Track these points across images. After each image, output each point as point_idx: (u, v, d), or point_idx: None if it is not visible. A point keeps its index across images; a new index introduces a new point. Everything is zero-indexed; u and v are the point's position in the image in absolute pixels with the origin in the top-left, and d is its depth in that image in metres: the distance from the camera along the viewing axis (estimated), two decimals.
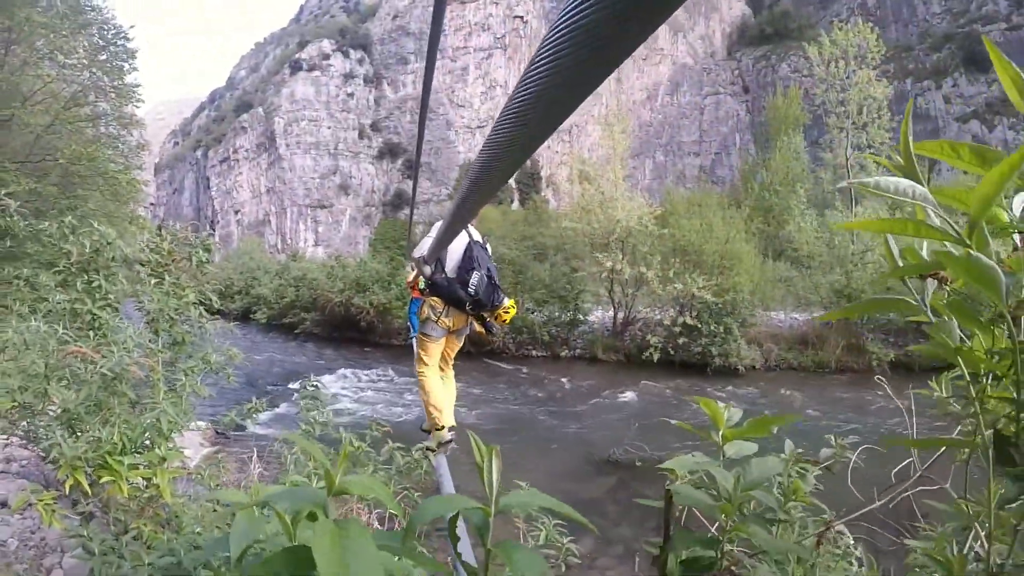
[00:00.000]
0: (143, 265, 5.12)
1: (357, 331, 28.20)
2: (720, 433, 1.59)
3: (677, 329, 22.37)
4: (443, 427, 4.82)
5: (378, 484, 1.04)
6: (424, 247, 4.78)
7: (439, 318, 4.79)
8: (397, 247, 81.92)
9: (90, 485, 3.30)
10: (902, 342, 23.49)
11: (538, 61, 0.62)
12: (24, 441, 4.30)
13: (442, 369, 5.15)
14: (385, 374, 21.25)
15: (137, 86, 20.25)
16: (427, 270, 4.63)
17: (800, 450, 1.87)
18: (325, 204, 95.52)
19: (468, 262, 4.75)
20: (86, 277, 5.12)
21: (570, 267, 26.53)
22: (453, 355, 5.30)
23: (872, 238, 25.31)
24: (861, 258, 24.55)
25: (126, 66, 19.96)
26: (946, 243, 1.03)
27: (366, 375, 20.79)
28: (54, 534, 3.55)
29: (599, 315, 27.25)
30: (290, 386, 17.69)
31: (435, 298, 4.78)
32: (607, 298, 26.48)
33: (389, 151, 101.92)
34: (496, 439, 8.28)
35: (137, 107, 21.05)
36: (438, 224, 4.69)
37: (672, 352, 22.49)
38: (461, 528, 3.40)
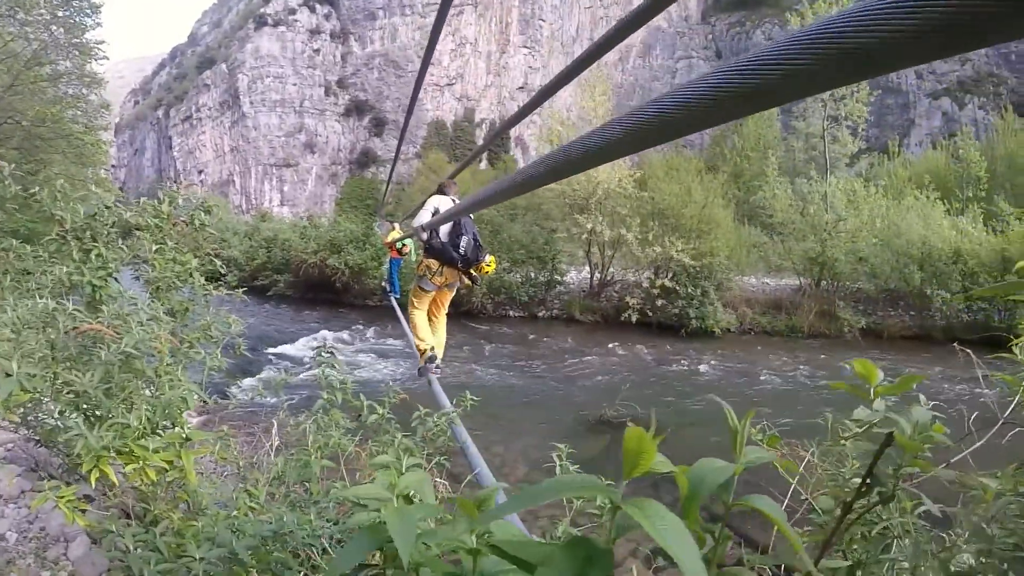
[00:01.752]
0: (141, 230, 4.88)
1: (332, 292, 27.87)
2: (872, 389, 1.65)
3: (656, 291, 22.59)
4: (425, 351, 6.03)
5: (427, 482, 1.26)
6: (422, 218, 5.84)
7: (433, 275, 6.02)
8: (364, 206, 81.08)
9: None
10: (871, 310, 24.10)
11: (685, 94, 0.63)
12: (14, 425, 3.98)
13: (435, 316, 6.43)
14: (363, 335, 21.10)
15: (101, 42, 19.28)
16: (424, 236, 5.72)
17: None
18: (291, 163, 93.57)
19: (458, 228, 5.95)
20: (80, 244, 4.69)
21: (547, 228, 26.51)
22: (446, 304, 6.47)
23: (845, 208, 25.71)
24: (834, 227, 24.88)
25: (89, 21, 18.96)
26: None
27: (346, 336, 20.61)
28: (55, 522, 3.23)
29: (575, 276, 27.36)
30: (268, 351, 17.48)
31: (431, 260, 6.00)
32: (583, 260, 26.56)
33: (356, 108, 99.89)
34: (488, 400, 8.27)
35: (101, 65, 20.06)
36: (434, 197, 6.15)
37: (650, 313, 22.69)
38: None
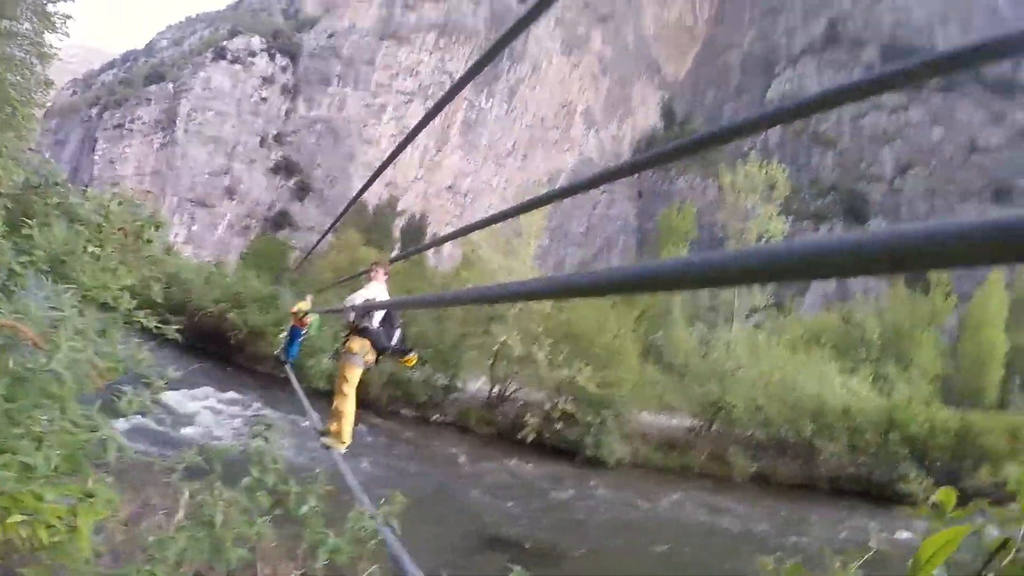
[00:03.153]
0: (83, 225, 4.28)
1: (224, 347, 26.37)
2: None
3: (556, 414, 22.54)
4: (345, 442, 6.37)
5: None
6: (356, 300, 6.37)
7: (366, 355, 6.35)
8: (269, 267, 78.29)
9: None
10: (760, 456, 24.99)
11: None
12: None
13: (344, 395, 6.49)
14: (250, 400, 19.95)
15: (68, 17, 18.02)
16: (351, 317, 6.27)
17: None
18: (207, 203, 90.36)
19: (391, 318, 6.48)
20: (6, 216, 3.91)
21: (457, 332, 26.26)
22: (355, 384, 6.61)
23: (745, 356, 26.97)
24: (734, 374, 25.90)
25: None
26: None
27: (232, 399, 19.38)
28: None
29: (475, 385, 26.98)
30: (140, 390, 16.11)
31: (366, 340, 6.32)
32: (486, 370, 26.33)
33: (285, 167, 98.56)
34: (377, 498, 7.83)
35: (60, 40, 18.62)
36: (372, 284, 6.58)
37: (547, 435, 22.56)
38: None
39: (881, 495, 23.24)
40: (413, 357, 6.77)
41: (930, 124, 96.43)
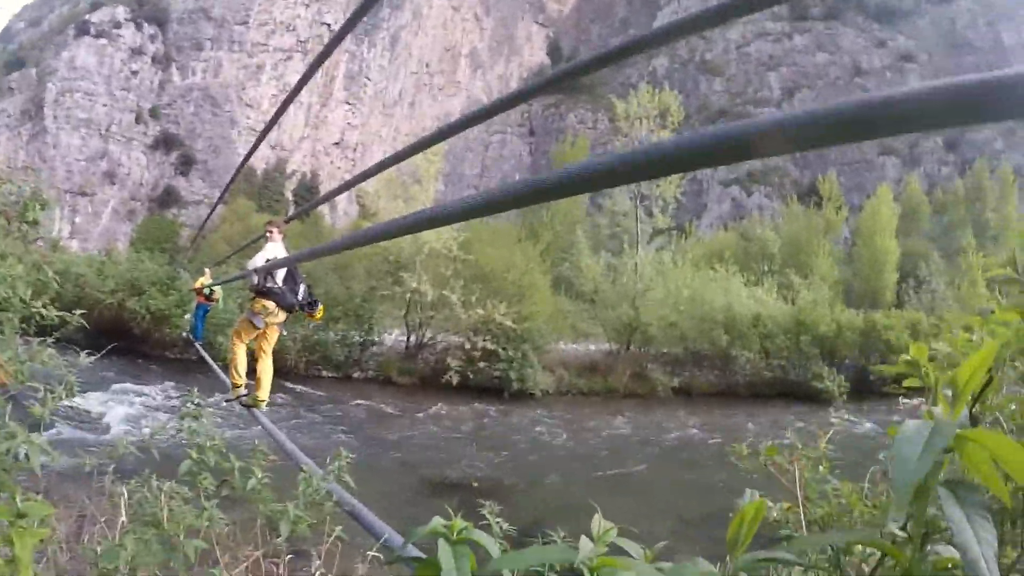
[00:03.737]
0: None
1: (128, 339, 25.22)
2: None
3: (477, 353, 22.90)
4: (240, 385, 6.77)
5: None
6: (258, 261, 6.40)
7: (268, 315, 6.59)
8: (161, 249, 74.35)
9: None
10: (679, 370, 26.23)
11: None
12: None
13: (264, 353, 6.85)
14: (165, 392, 19.29)
15: None
16: (256, 280, 6.36)
17: None
18: (87, 191, 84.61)
19: (293, 275, 6.70)
20: None
21: (366, 285, 26.08)
22: (273, 342, 6.91)
23: (652, 279, 27.97)
24: (644, 296, 26.86)
25: None
26: None
27: (148, 391, 18.67)
28: None
29: (389, 338, 27.00)
30: (64, 404, 15.36)
31: (268, 301, 6.53)
32: (400, 320, 26.37)
33: (165, 142, 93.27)
34: (317, 462, 7.93)
35: None
36: (269, 245, 6.64)
37: (471, 376, 22.94)
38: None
39: (796, 394, 24.83)
40: (320, 309, 7.02)
41: (815, 50, 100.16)
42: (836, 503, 2.61)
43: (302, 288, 6.78)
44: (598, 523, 1.22)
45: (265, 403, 6.75)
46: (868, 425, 15.87)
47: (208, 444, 3.70)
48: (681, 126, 33.75)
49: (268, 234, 6.78)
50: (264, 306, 6.56)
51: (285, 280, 6.62)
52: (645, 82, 42.46)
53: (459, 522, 1.34)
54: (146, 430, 14.27)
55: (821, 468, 2.91)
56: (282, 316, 6.74)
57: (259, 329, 6.72)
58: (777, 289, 31.79)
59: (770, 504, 2.71)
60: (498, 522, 2.99)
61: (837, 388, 23.76)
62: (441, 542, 1.26)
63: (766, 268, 35.99)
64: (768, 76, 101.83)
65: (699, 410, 22.15)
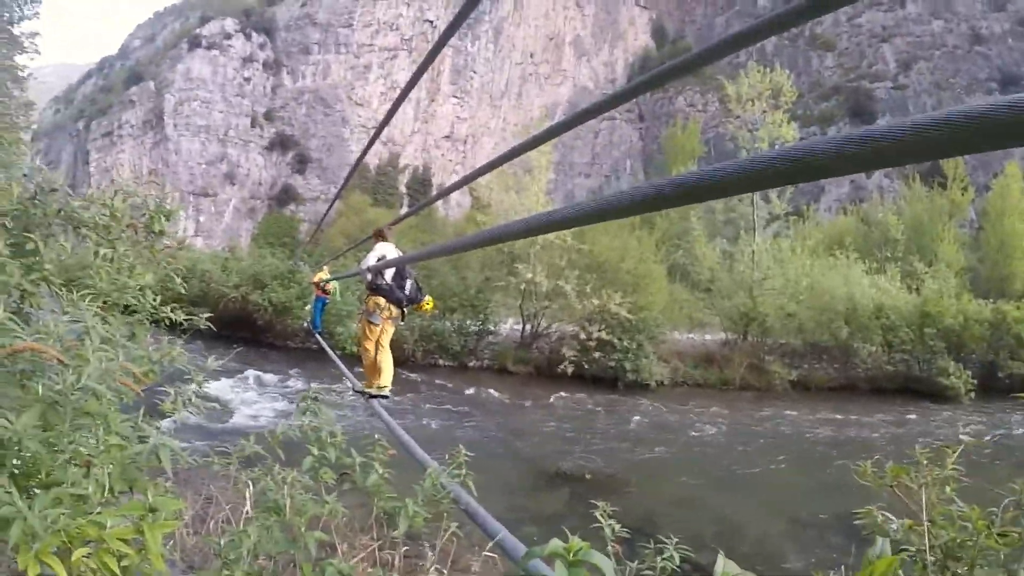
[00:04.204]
0: (86, 228, 3.97)
1: (252, 330, 26.43)
2: None
3: (592, 343, 22.44)
4: (375, 386, 6.97)
5: None
6: (370, 261, 6.93)
7: (382, 311, 7.00)
8: (281, 244, 78.27)
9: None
10: (797, 363, 24.92)
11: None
12: None
13: (383, 347, 7.12)
14: (289, 377, 20.05)
15: (35, 34, 17.64)
16: (369, 277, 6.84)
17: None
18: (209, 192, 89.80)
19: (401, 271, 7.05)
20: (8, 235, 3.47)
21: (481, 276, 26.17)
22: (389, 337, 7.22)
23: (770, 267, 26.64)
24: (761, 284, 25.61)
25: (27, 10, 17.28)
26: None
27: (271, 379, 19.43)
28: None
29: (506, 327, 26.95)
30: (185, 390, 16.14)
31: (379, 298, 6.98)
32: (516, 310, 26.26)
33: (280, 143, 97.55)
34: (434, 453, 7.74)
35: (31, 59, 18.32)
36: (380, 244, 7.14)
37: (585, 366, 22.53)
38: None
39: (920, 390, 23.26)
40: (428, 301, 7.25)
41: (929, 18, 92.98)
42: (960, 526, 2.51)
43: (408, 283, 7.11)
44: (721, 565, 1.23)
45: (388, 388, 7.09)
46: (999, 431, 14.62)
47: (329, 440, 3.71)
48: (793, 107, 32.11)
49: (377, 236, 7.38)
50: (376, 302, 7.00)
51: (394, 278, 7.02)
52: (754, 60, 40.62)
53: (576, 543, 1.37)
54: (267, 415, 14.94)
55: (948, 489, 2.80)
56: (395, 311, 7.12)
57: (377, 326, 7.05)
58: (900, 277, 29.59)
59: (891, 519, 2.85)
60: (610, 524, 3.04)
61: (964, 385, 22.19)
62: (558, 564, 1.32)
63: (888, 254, 34.08)
64: (882, 48, 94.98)
65: (818, 405, 20.91)
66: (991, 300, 28.07)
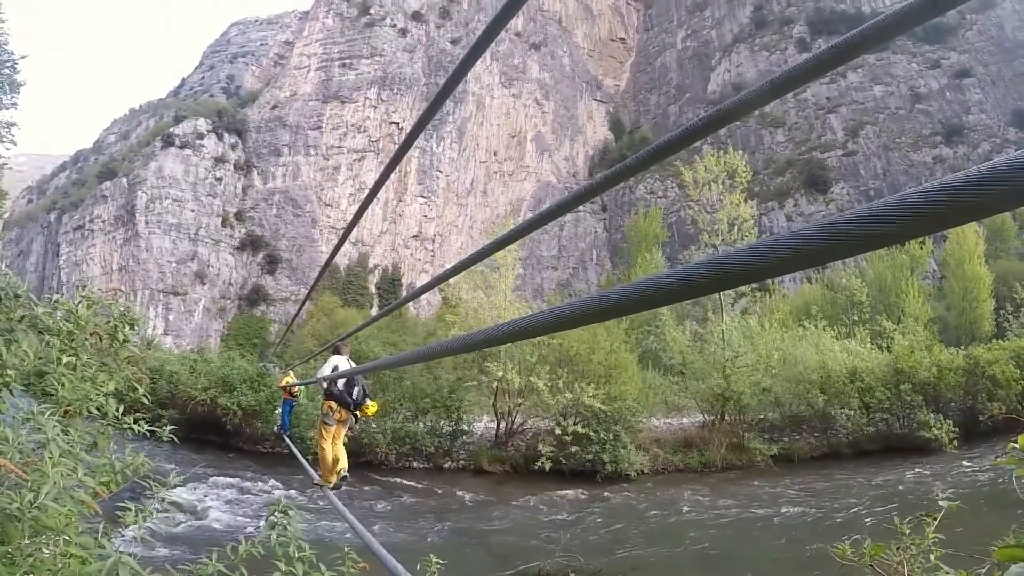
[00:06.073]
0: (49, 335, 4.01)
1: (221, 434, 25.84)
2: None
3: (568, 438, 22.22)
4: (331, 483, 7.97)
5: None
6: (324, 371, 7.89)
7: (334, 414, 8.05)
8: (251, 345, 77.49)
9: None
10: (777, 436, 24.92)
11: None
12: None
13: (337, 441, 8.20)
14: (258, 483, 19.47)
15: (12, 124, 17.59)
16: (325, 385, 7.98)
17: None
18: (179, 291, 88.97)
19: (351, 380, 8.03)
20: None
21: (452, 376, 26.01)
22: (343, 435, 8.33)
23: (740, 344, 26.94)
24: (733, 363, 25.83)
25: (6, 99, 17.28)
26: None
27: (239, 484, 18.86)
28: None
29: (480, 425, 26.65)
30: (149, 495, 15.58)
31: (332, 402, 8.04)
32: (488, 409, 26.04)
33: (251, 243, 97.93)
34: (409, 561, 7.56)
35: (7, 149, 18.22)
36: (333, 357, 8.39)
37: (563, 461, 22.22)
38: None
39: (903, 447, 23.37)
40: (371, 405, 8.24)
41: (870, 84, 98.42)
42: None
43: (356, 390, 8.09)
44: None
45: (345, 470, 8.12)
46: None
47: (296, 555, 3.62)
48: (749, 185, 33.25)
49: (335, 350, 8.57)
50: (330, 406, 8.07)
51: (345, 385, 8.02)
52: (708, 144, 42.28)
53: None
54: (235, 523, 14.42)
55: (933, 557, 2.86)
56: (345, 414, 8.12)
57: (331, 427, 8.08)
58: (870, 338, 30.18)
59: None
60: None
61: (946, 435, 22.24)
62: None
63: (856, 318, 34.62)
64: (829, 118, 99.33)
65: (801, 477, 20.76)
66: (963, 346, 28.75)
